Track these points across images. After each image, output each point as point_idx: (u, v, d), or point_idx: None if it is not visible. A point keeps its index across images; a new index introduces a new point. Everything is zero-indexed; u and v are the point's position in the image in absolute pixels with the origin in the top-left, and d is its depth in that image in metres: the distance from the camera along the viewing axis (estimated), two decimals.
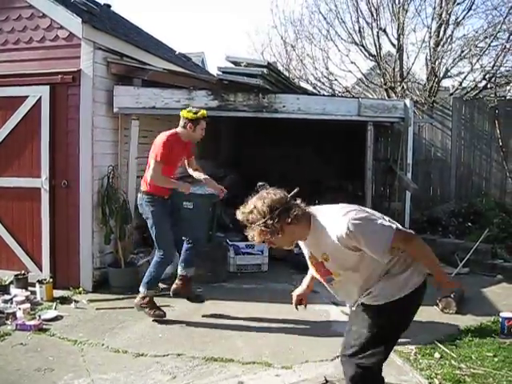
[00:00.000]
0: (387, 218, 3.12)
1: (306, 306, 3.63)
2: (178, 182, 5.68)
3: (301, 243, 3.20)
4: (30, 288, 6.37)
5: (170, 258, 5.63)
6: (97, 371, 4.34)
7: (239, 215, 2.99)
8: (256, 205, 2.95)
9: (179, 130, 5.56)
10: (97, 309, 5.92)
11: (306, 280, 3.57)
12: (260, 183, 3.14)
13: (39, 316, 5.56)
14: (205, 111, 5.59)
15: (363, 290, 3.09)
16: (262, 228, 2.90)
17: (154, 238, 5.58)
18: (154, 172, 5.34)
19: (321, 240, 3.00)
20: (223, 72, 7.31)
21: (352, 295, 3.19)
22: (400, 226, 3.03)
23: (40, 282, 6.24)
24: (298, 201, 3.14)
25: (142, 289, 5.55)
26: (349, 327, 3.30)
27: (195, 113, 5.48)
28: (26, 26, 6.55)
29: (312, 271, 3.36)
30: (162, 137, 5.50)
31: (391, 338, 3.21)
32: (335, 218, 2.94)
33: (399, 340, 4.79)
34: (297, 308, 3.64)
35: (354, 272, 3.02)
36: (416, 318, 5.51)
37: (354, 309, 3.24)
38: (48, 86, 6.47)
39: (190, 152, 5.86)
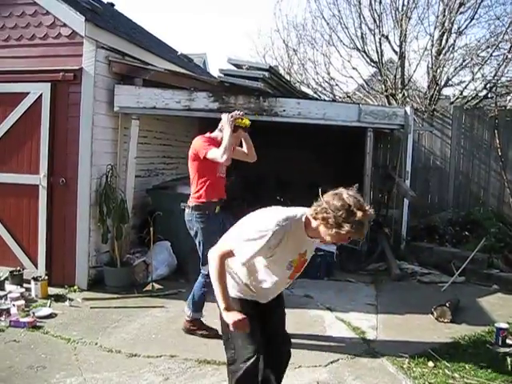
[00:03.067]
0: None
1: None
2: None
3: (292, 243, 3.18)
4: (24, 285, 6.36)
5: None
6: (89, 370, 4.33)
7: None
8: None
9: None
10: (91, 307, 5.91)
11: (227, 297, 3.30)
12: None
13: (33, 313, 5.55)
14: (248, 121, 5.26)
15: None
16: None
17: (201, 255, 5.13)
18: (215, 153, 5.02)
19: None
20: (225, 74, 7.31)
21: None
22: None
23: (35, 279, 6.23)
24: None
25: (188, 311, 5.21)
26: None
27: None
28: (29, 22, 6.55)
29: (270, 276, 3.29)
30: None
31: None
32: None
33: (393, 347, 4.84)
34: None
35: None
36: (410, 325, 5.57)
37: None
38: (49, 84, 6.47)
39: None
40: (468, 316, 5.92)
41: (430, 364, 4.59)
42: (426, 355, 4.75)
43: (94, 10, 7.21)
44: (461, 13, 12.09)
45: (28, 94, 6.56)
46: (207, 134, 5.36)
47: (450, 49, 12.38)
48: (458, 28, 12.31)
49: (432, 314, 5.85)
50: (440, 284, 7.21)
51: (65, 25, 6.42)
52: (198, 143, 5.22)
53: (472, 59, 12.12)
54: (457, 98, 12.84)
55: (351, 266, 8.00)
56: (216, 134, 5.31)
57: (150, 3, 46.29)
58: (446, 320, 5.72)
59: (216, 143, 5.16)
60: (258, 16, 36.40)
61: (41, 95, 6.50)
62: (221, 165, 5.16)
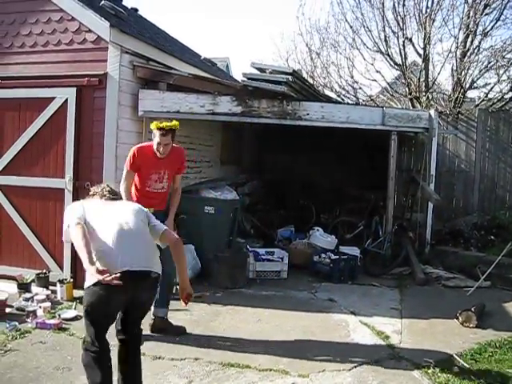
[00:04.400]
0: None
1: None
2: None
3: None
4: (50, 287, 6.44)
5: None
6: (114, 372, 4.34)
7: None
8: None
9: None
10: None
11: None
12: None
13: (59, 315, 5.61)
14: (167, 123, 5.07)
15: None
16: None
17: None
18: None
19: None
20: (248, 78, 7.33)
21: None
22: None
23: (61, 281, 6.30)
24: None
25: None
26: None
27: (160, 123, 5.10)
28: (55, 28, 6.65)
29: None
30: (182, 149, 5.50)
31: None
32: None
33: (418, 352, 4.79)
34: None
35: None
36: (435, 330, 5.50)
37: None
38: (74, 88, 6.55)
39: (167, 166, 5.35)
40: (494, 321, 5.84)
41: (455, 369, 4.52)
42: (451, 360, 4.70)
43: (119, 15, 7.29)
44: (486, 14, 11.98)
45: (54, 98, 6.65)
46: (145, 143, 5.47)
47: (475, 51, 12.27)
48: (483, 29, 12.20)
49: (457, 318, 5.78)
50: (465, 289, 7.12)
51: (90, 30, 6.50)
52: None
53: (497, 61, 11.99)
54: (482, 101, 12.72)
55: (375, 270, 7.95)
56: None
57: (173, 8, 46.66)
58: (471, 325, 5.64)
59: (149, 151, 5.22)
60: (281, 20, 36.51)
61: (66, 100, 6.59)
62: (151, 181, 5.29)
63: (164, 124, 5.05)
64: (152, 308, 5.17)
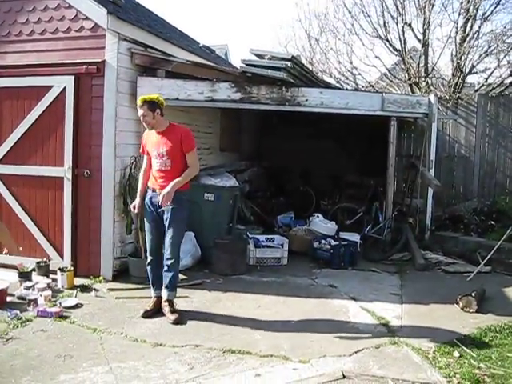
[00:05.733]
0: None
1: None
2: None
3: None
4: (51, 275, 6.45)
5: None
6: (115, 359, 4.38)
7: None
8: None
9: None
10: (116, 298, 5.97)
11: None
12: None
13: (60, 303, 5.63)
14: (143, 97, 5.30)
15: None
16: None
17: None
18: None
19: None
20: (247, 64, 7.31)
21: None
22: None
23: (61, 269, 6.31)
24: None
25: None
26: None
27: None
28: (52, 16, 6.61)
29: None
30: (185, 128, 5.49)
31: None
32: None
33: (418, 337, 4.81)
34: None
35: None
36: (435, 315, 5.52)
37: None
38: (72, 77, 6.52)
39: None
40: (494, 306, 5.85)
41: (456, 354, 4.54)
42: (452, 345, 4.71)
43: (116, 2, 7.23)
44: None
45: (52, 87, 6.62)
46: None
47: (475, 35, 12.22)
48: (483, 14, 12.14)
49: (457, 303, 5.79)
50: (465, 274, 7.13)
51: (87, 18, 6.46)
52: (189, 133, 5.44)
53: (497, 46, 11.94)
54: (482, 86, 12.67)
55: (375, 256, 7.97)
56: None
57: None
58: (471, 310, 5.66)
59: (152, 132, 5.44)
60: (280, 6, 36.22)
61: (64, 88, 6.56)
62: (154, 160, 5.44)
63: (139, 98, 5.32)
64: (165, 292, 5.37)
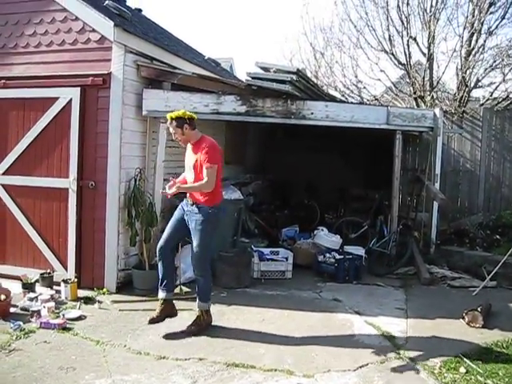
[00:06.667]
0: None
1: None
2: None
3: None
4: (55, 287, 6.44)
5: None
6: (118, 372, 4.35)
7: None
8: None
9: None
10: (120, 310, 5.95)
11: None
12: None
13: (63, 315, 5.61)
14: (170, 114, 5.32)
15: None
16: None
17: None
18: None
19: None
20: (252, 77, 7.32)
21: None
22: None
23: (65, 281, 6.30)
24: None
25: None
26: None
27: None
28: (59, 28, 6.65)
29: None
30: (211, 141, 5.38)
31: None
32: None
33: (424, 352, 4.77)
34: None
35: None
36: (441, 330, 5.47)
37: None
38: (78, 88, 6.54)
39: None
40: (500, 321, 5.81)
41: (462, 370, 4.50)
42: (458, 361, 4.67)
43: (123, 15, 7.27)
44: (491, 13, 11.93)
45: (58, 98, 6.64)
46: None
47: (480, 50, 12.21)
48: (488, 28, 12.15)
49: (463, 318, 5.75)
50: (471, 288, 7.09)
51: (94, 30, 6.49)
52: (214, 146, 5.40)
53: (503, 60, 11.94)
54: (487, 100, 12.66)
55: (380, 270, 7.93)
56: None
57: (177, 9, 46.68)
58: (477, 325, 5.61)
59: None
60: (285, 20, 36.42)
61: (70, 100, 6.58)
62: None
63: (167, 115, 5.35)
64: (198, 302, 5.43)
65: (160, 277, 5.52)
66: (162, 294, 5.53)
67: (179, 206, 5.52)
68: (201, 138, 5.35)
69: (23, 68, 6.82)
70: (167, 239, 5.46)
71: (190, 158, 5.35)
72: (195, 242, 5.28)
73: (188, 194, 5.39)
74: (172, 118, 5.25)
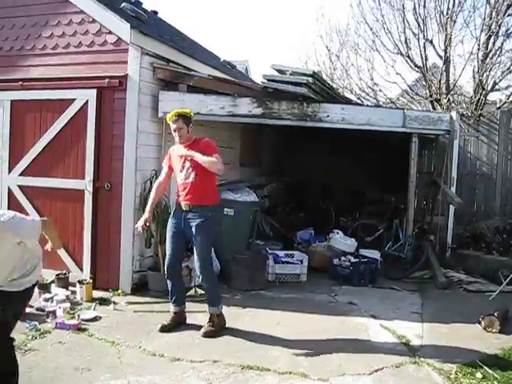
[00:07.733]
0: None
1: None
2: None
3: None
4: (70, 288, 6.47)
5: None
6: (133, 373, 4.36)
7: None
8: None
9: None
10: (135, 311, 5.97)
11: None
12: None
13: (78, 316, 5.64)
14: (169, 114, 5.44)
15: None
16: None
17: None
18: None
19: None
20: (268, 80, 7.30)
21: None
22: None
23: (80, 282, 6.33)
24: None
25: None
26: None
27: None
28: (76, 30, 6.69)
29: None
30: (207, 139, 5.49)
31: None
32: None
33: (439, 356, 4.71)
34: None
35: None
36: (457, 335, 5.42)
37: None
38: (95, 90, 6.58)
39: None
40: None
41: (478, 375, 4.44)
42: (474, 366, 4.61)
43: (139, 17, 7.31)
44: (509, 15, 11.85)
45: (74, 100, 6.68)
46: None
47: (497, 52, 12.12)
48: (506, 30, 12.07)
49: (479, 323, 5.69)
50: (487, 293, 7.01)
51: (110, 32, 6.53)
52: (211, 143, 5.46)
53: None
54: (504, 103, 12.56)
55: (396, 274, 7.87)
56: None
57: (193, 11, 46.84)
58: (494, 330, 5.55)
59: (178, 147, 5.52)
60: (300, 23, 36.37)
61: (87, 101, 6.62)
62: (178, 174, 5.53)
63: (173, 112, 5.39)
64: (209, 307, 5.46)
65: (170, 292, 5.55)
66: (173, 309, 5.55)
67: (171, 220, 5.49)
68: (196, 139, 5.43)
69: (41, 70, 6.87)
70: (172, 254, 5.46)
71: (180, 159, 5.39)
72: (198, 247, 5.30)
73: (182, 199, 5.37)
74: (179, 115, 5.31)
